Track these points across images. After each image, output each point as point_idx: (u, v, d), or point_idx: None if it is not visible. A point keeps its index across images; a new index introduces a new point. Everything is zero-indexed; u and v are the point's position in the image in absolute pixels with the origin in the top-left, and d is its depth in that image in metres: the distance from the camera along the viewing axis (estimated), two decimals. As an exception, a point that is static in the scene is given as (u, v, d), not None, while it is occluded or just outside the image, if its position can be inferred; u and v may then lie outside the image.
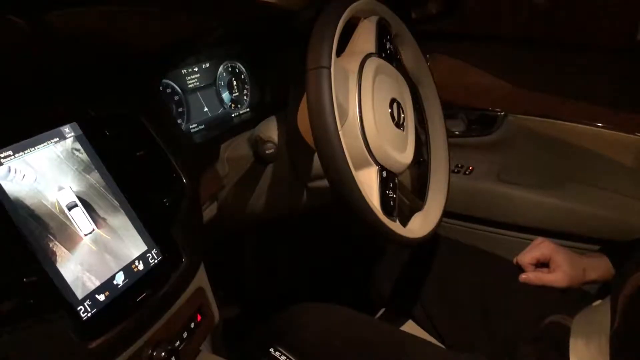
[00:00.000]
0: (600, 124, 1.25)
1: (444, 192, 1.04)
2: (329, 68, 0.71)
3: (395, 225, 0.82)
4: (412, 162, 0.92)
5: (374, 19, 0.90)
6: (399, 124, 0.88)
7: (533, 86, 1.35)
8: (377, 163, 0.81)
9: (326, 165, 0.72)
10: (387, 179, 0.83)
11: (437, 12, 1.47)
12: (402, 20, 0.98)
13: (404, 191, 1.10)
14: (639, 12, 1.18)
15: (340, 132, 0.70)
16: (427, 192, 1.04)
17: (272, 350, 0.93)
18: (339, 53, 0.78)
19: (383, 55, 0.91)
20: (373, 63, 0.85)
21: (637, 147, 1.21)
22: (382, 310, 1.24)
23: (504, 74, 1.38)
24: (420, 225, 0.95)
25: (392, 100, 0.87)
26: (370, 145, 0.80)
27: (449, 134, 1.11)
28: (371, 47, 0.88)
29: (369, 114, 0.80)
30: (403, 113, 0.90)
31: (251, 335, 1.04)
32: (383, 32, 0.92)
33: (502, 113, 1.37)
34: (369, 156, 0.80)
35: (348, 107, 0.79)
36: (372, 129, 0.80)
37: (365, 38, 0.89)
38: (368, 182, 0.81)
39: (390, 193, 0.83)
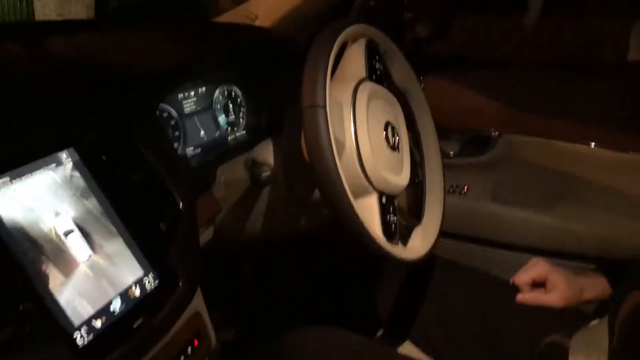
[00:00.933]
0: (593, 143, 1.26)
1: (440, 206, 1.04)
2: (324, 107, 0.72)
3: (397, 249, 0.83)
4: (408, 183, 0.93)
5: (361, 42, 0.91)
6: (394, 147, 0.88)
7: (526, 106, 1.36)
8: (376, 190, 0.82)
9: (327, 199, 0.73)
10: (387, 204, 0.85)
11: (426, 36, 1.49)
12: (394, 41, 1.00)
13: (400, 213, 1.10)
14: (630, 32, 1.20)
15: (340, 170, 0.72)
16: (424, 209, 1.04)
17: (269, 373, 0.93)
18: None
19: (374, 77, 0.92)
20: (365, 89, 0.86)
21: (630, 165, 1.22)
22: (380, 331, 1.24)
23: (497, 94, 1.39)
24: (420, 243, 0.95)
25: (387, 124, 0.88)
26: (369, 173, 0.81)
27: (444, 155, 1.12)
28: (361, 71, 0.89)
29: (365, 142, 0.81)
30: (397, 135, 0.91)
31: (249, 357, 1.03)
32: (372, 53, 0.93)
33: (496, 133, 1.38)
34: (368, 184, 0.82)
35: (345, 140, 0.80)
36: (369, 156, 0.81)
37: (354, 63, 0.90)
38: (369, 209, 0.82)
39: (391, 217, 0.85)
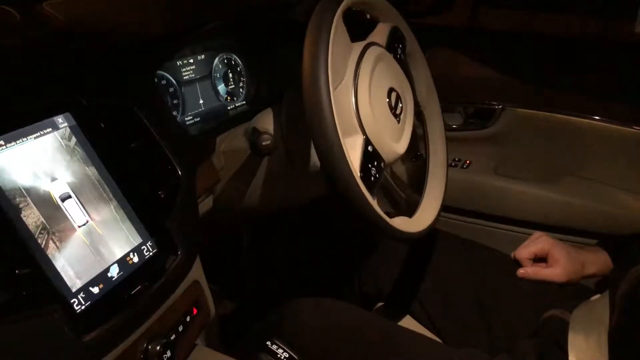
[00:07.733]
0: (597, 117, 1.24)
1: (443, 179, 1.03)
2: (329, 97, 0.69)
3: (399, 223, 0.81)
4: (408, 156, 0.91)
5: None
6: (396, 114, 0.87)
7: (531, 79, 1.35)
8: (364, 133, 0.80)
9: (332, 177, 0.71)
10: (374, 157, 0.81)
11: (431, 6, 1.46)
12: (401, 14, 0.97)
13: (401, 186, 1.09)
14: (638, 3, 1.17)
15: (346, 153, 0.70)
16: (427, 182, 1.02)
17: (269, 343, 0.93)
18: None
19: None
20: (375, 51, 0.84)
21: (634, 140, 1.21)
22: (379, 304, 1.24)
23: (501, 67, 1.37)
24: (422, 216, 0.94)
25: (390, 90, 0.86)
26: (361, 115, 0.79)
27: (447, 128, 1.10)
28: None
29: (364, 91, 0.79)
30: (401, 104, 0.89)
31: (248, 328, 1.03)
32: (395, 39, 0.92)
33: (500, 106, 1.36)
34: (357, 124, 0.79)
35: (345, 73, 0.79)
36: (367, 109, 0.79)
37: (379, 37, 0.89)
38: (353, 148, 0.79)
39: (373, 170, 0.81)
